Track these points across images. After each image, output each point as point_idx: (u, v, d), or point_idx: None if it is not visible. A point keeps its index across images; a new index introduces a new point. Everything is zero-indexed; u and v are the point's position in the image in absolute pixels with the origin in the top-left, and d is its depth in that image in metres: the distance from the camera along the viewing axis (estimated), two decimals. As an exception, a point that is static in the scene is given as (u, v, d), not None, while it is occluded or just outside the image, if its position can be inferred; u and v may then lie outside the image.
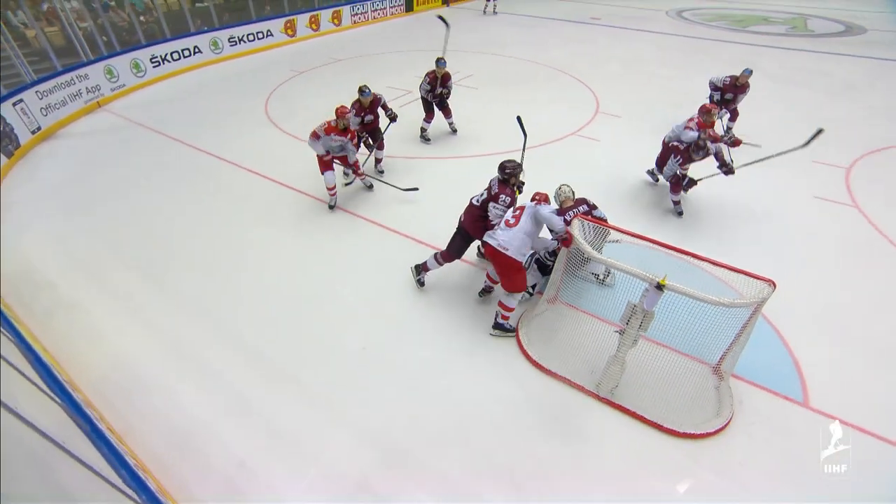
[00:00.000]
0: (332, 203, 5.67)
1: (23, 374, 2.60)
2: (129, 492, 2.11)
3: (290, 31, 13.06)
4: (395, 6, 16.41)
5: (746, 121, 7.24)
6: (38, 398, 2.55)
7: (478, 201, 4.14)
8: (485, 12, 13.57)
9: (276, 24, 12.68)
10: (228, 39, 11.65)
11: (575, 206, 4.03)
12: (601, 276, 4.55)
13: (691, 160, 5.25)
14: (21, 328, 3.61)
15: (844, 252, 5.04)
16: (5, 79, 7.70)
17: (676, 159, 5.35)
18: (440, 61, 6.54)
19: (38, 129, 7.58)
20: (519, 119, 4.69)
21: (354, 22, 15.01)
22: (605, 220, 4.31)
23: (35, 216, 5.70)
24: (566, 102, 9.07)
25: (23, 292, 4.48)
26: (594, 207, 4.11)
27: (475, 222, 4.13)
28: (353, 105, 5.84)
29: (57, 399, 2.49)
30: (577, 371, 3.63)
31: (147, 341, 3.98)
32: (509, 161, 4.07)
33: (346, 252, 5.03)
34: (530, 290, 4.30)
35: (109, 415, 3.32)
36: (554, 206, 4.12)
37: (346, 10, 14.61)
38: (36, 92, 7.59)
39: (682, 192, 5.59)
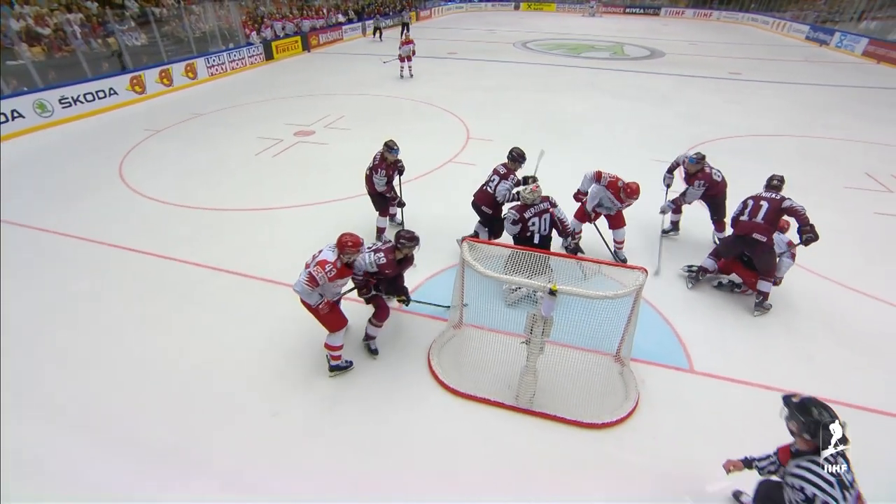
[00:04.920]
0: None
1: None
2: None
3: (138, 89, 11.90)
4: (253, 55, 15.94)
5: (601, 130, 8.19)
6: None
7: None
8: (402, 76, 14.12)
9: (121, 81, 11.48)
10: (60, 101, 10.21)
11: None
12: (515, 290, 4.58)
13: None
14: None
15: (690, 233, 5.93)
16: None
17: None
18: (393, 148, 5.15)
19: None
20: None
21: (212, 74, 14.21)
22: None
23: None
24: (437, 133, 9.50)
25: None
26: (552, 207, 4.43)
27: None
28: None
29: None
30: (494, 389, 3.67)
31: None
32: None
33: (238, 317, 4.56)
34: None
35: None
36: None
37: (200, 63, 13.79)
38: None
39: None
